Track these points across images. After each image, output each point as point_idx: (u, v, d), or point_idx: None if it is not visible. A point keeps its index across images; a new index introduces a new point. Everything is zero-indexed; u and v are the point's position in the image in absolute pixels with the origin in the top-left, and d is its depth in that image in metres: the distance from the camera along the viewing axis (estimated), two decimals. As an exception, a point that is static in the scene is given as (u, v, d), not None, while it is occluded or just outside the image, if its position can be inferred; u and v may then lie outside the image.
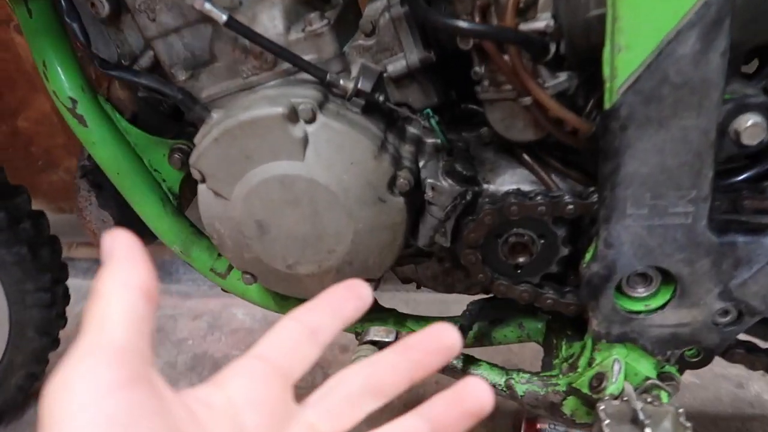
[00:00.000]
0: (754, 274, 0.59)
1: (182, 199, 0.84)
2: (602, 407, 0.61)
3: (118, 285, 0.29)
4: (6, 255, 1.18)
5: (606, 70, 0.53)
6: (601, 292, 0.62)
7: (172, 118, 0.79)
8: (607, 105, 0.53)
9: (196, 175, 0.67)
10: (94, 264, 2.07)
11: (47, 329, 1.33)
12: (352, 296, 0.37)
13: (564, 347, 0.75)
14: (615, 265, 0.60)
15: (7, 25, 1.67)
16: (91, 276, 2.08)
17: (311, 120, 0.63)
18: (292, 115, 0.62)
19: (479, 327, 0.83)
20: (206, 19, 0.66)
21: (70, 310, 1.39)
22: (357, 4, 0.72)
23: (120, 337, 0.28)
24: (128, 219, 0.89)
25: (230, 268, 0.83)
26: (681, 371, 0.70)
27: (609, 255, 0.60)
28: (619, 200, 0.56)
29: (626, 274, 0.61)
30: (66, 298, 1.38)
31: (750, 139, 0.54)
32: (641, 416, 0.60)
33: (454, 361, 0.79)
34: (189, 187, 0.83)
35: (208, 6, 0.60)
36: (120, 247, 0.30)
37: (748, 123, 0.53)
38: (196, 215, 0.83)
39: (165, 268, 1.97)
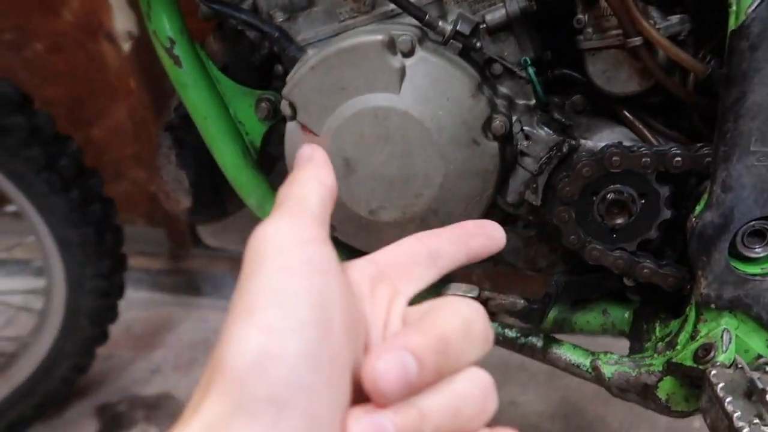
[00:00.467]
0: None
1: (262, 161, 0.83)
2: (713, 372, 0.55)
3: (315, 179, 0.34)
4: (73, 235, 1.19)
5: (732, -8, 0.50)
6: (715, 245, 0.57)
7: (261, 71, 0.80)
8: (733, 26, 0.50)
9: (286, 110, 0.66)
10: (144, 274, 2.08)
11: (99, 319, 1.32)
12: (482, 233, 0.37)
13: (658, 328, 0.69)
14: (733, 213, 0.56)
15: (97, 35, 1.77)
16: (141, 287, 2.09)
17: (410, 53, 0.62)
18: (391, 45, 0.61)
19: (559, 310, 0.77)
20: (309, -37, 0.68)
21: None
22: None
23: (315, 210, 0.32)
24: (204, 184, 0.89)
25: (303, 228, 0.80)
26: (796, 359, 0.63)
27: (727, 200, 0.55)
28: (743, 134, 0.52)
29: (746, 223, 0.56)
30: (120, 290, 1.38)
31: None
32: (760, 385, 0.53)
33: (535, 340, 0.73)
34: (269, 153, 0.82)
35: (318, -64, 0.61)
36: (318, 155, 0.36)
37: None
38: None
39: (215, 282, 1.97)
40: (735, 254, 0.59)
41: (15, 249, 1.48)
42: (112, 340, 1.40)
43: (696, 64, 0.58)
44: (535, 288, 0.91)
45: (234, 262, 1.89)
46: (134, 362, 1.62)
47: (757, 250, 0.58)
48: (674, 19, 0.59)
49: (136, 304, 1.97)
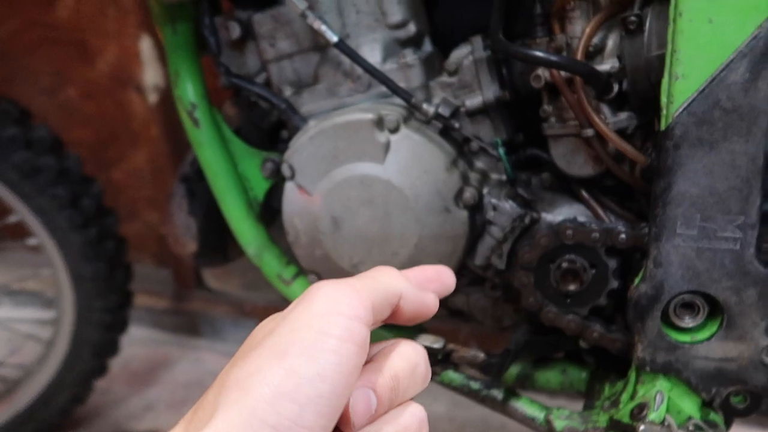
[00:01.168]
0: (802, 309, 0.61)
1: (263, 214, 0.93)
2: (642, 428, 0.62)
3: (408, 280, 0.41)
4: (86, 269, 1.28)
5: (663, 98, 0.60)
6: (648, 314, 0.65)
7: (269, 135, 0.90)
8: (662, 127, 0.60)
9: (286, 172, 0.76)
10: (147, 313, 2.15)
11: (101, 352, 1.38)
12: (439, 279, 0.44)
13: (607, 388, 0.75)
14: (663, 286, 0.63)
15: (127, 86, 1.91)
16: (143, 325, 2.16)
17: (395, 129, 0.72)
18: (380, 123, 0.71)
19: (522, 367, 0.84)
20: (316, 47, 0.79)
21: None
22: (441, 54, 0.83)
23: (377, 299, 0.38)
24: (210, 231, 0.98)
25: (295, 276, 0.89)
26: (727, 424, 0.70)
27: (658, 274, 0.63)
28: (669, 218, 0.61)
29: (674, 296, 0.64)
30: (124, 325, 1.45)
31: (796, 171, 0.59)
32: (684, 442, 0.60)
33: (496, 393, 0.80)
34: (271, 207, 0.92)
35: (324, 27, 0.73)
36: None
37: (794, 155, 0.59)
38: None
39: (214, 325, 2.04)
40: (668, 323, 0.67)
41: (28, 280, 1.56)
42: (110, 374, 1.45)
43: (638, 155, 0.67)
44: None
45: (234, 306, 1.96)
46: (129, 398, 1.67)
47: (686, 320, 0.66)
48: (622, 115, 0.69)
49: (137, 340, 2.04)
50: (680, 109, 0.58)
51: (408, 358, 0.40)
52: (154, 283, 2.16)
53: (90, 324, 1.33)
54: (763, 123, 0.56)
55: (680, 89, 0.58)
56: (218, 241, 1.01)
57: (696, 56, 0.57)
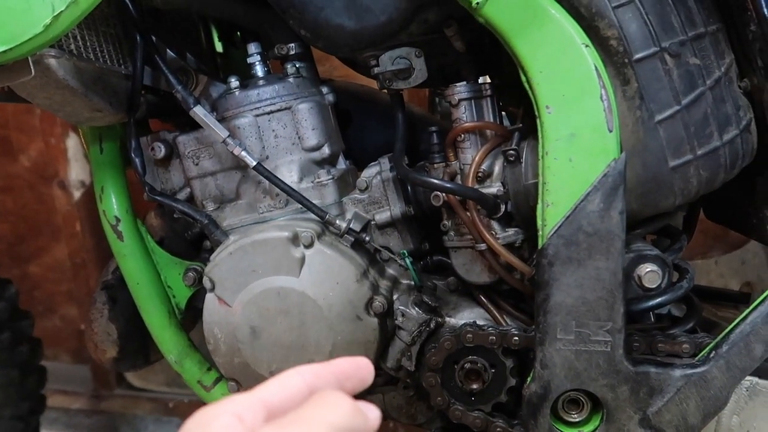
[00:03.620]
0: (666, 402, 0.69)
1: (185, 320, 0.95)
2: None
3: (305, 376, 0.41)
4: (-3, 375, 1.24)
5: (539, 221, 0.70)
6: (539, 411, 0.72)
7: (192, 246, 0.94)
8: (539, 245, 0.69)
9: (207, 284, 0.80)
10: (62, 414, 2.05)
11: (10, 461, 1.32)
12: (356, 374, 0.42)
13: (513, 481, 0.81)
14: (549, 385, 0.71)
15: (52, 182, 1.91)
16: (56, 428, 2.05)
17: (309, 245, 0.78)
18: (295, 239, 0.78)
19: (437, 463, 0.89)
20: (238, 167, 0.85)
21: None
22: (356, 171, 0.91)
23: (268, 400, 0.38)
24: (130, 336, 1.00)
25: (215, 382, 0.91)
26: None
27: (545, 375, 0.71)
28: (550, 325, 0.70)
29: (559, 394, 0.71)
30: (36, 432, 1.39)
31: (650, 283, 0.69)
32: None
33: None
34: (193, 312, 0.95)
35: (243, 153, 0.80)
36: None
37: (646, 270, 0.69)
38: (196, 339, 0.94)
39: (135, 425, 1.96)
40: (559, 417, 0.74)
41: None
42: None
43: (524, 267, 0.76)
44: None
45: (157, 403, 1.91)
46: None
47: (574, 415, 0.73)
48: (511, 230, 0.79)
49: (49, 445, 1.92)
50: (552, 232, 0.68)
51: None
52: (70, 382, 2.07)
53: (-2, 433, 1.28)
54: (618, 244, 0.67)
55: (551, 214, 0.68)
56: (140, 345, 1.02)
57: (561, 188, 0.67)
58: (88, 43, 0.75)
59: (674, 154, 0.70)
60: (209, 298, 0.81)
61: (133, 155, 0.84)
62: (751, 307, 0.70)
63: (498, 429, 0.79)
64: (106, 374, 1.95)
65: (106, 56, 0.79)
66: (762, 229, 0.80)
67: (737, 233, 0.92)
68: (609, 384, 0.70)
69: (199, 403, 0.98)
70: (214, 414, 0.35)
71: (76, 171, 1.85)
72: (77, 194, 1.88)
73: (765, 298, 0.70)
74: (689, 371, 0.69)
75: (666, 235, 0.83)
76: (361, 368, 0.42)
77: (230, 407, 0.36)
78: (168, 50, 0.89)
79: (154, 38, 0.84)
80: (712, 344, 0.71)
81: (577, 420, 0.73)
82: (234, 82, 0.84)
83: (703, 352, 0.71)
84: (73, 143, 1.84)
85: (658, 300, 0.73)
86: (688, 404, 0.69)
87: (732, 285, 1.56)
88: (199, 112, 0.79)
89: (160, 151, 0.87)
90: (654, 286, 0.69)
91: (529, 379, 0.73)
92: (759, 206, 0.81)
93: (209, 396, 0.91)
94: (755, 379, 0.72)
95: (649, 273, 0.69)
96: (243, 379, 0.82)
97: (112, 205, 0.88)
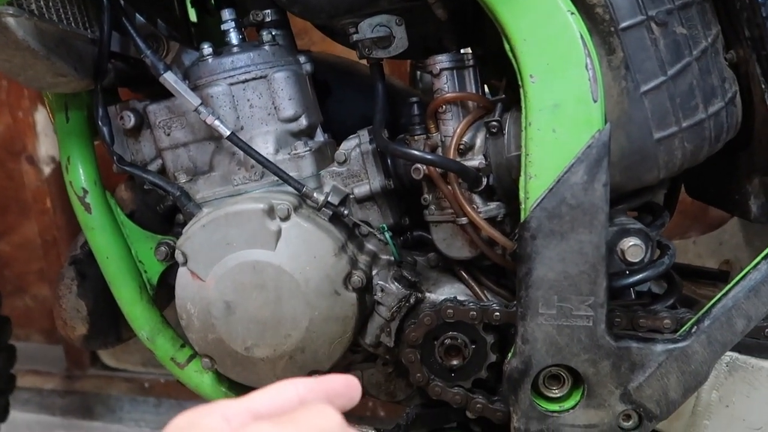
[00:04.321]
0: (647, 377, 0.69)
1: (160, 298, 0.92)
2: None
3: (299, 387, 0.40)
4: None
5: (521, 194, 0.68)
6: (520, 387, 0.71)
7: (164, 219, 0.91)
8: (522, 219, 0.68)
9: (179, 258, 0.78)
10: (35, 395, 2.01)
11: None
12: (345, 392, 0.43)
13: (492, 457, 0.80)
14: (531, 361, 0.70)
15: (20, 157, 1.84)
16: (29, 409, 2.01)
17: (286, 218, 0.75)
18: (271, 212, 0.75)
19: (416, 439, 0.88)
20: (211, 137, 0.82)
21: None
22: (335, 144, 0.89)
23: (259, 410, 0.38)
24: (101, 313, 0.97)
25: (189, 359, 0.89)
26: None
27: (526, 350, 0.70)
28: (532, 300, 0.68)
29: (540, 369, 0.70)
30: (4, 414, 1.37)
31: (633, 257, 0.68)
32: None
33: (389, 468, 0.82)
34: (167, 290, 0.92)
35: (217, 122, 0.76)
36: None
37: (630, 244, 0.68)
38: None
39: (110, 405, 1.93)
40: (540, 393, 0.73)
41: None
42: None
43: (506, 241, 0.75)
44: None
45: (132, 383, 1.88)
46: (10, 492, 1.54)
47: (554, 391, 0.72)
48: (492, 204, 0.77)
49: (22, 426, 1.89)
50: (534, 205, 0.66)
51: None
52: (42, 362, 2.03)
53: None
54: (602, 217, 0.65)
55: (533, 187, 0.66)
56: (111, 322, 0.99)
57: (544, 160, 0.66)
58: (51, 3, 0.71)
59: (659, 125, 0.69)
60: (182, 273, 0.78)
61: (100, 123, 0.80)
62: (733, 282, 0.69)
63: (478, 405, 0.78)
64: (80, 354, 1.92)
65: (71, 18, 0.75)
66: (744, 205, 0.80)
67: (715, 214, 0.92)
68: (590, 359, 0.69)
69: (175, 383, 0.95)
70: (202, 413, 0.36)
71: (46, 146, 1.79)
72: (47, 170, 1.82)
73: (747, 273, 0.69)
74: (670, 346, 0.69)
75: (648, 212, 0.82)
76: (351, 388, 0.44)
77: (219, 409, 0.37)
78: (138, 15, 0.85)
79: (122, 1, 0.80)
80: (693, 319, 0.70)
81: (558, 396, 0.72)
82: (207, 48, 0.80)
83: (684, 327, 0.71)
84: (42, 117, 1.78)
85: (640, 276, 0.72)
86: (669, 379, 0.68)
87: (710, 265, 1.56)
88: (170, 78, 0.76)
89: (130, 120, 0.84)
90: (637, 260, 0.68)
91: (510, 354, 0.72)
92: (741, 181, 0.80)
93: (183, 373, 0.89)
94: (735, 355, 0.72)
95: (632, 247, 0.68)
96: (217, 356, 0.80)
97: (79, 176, 0.85)
